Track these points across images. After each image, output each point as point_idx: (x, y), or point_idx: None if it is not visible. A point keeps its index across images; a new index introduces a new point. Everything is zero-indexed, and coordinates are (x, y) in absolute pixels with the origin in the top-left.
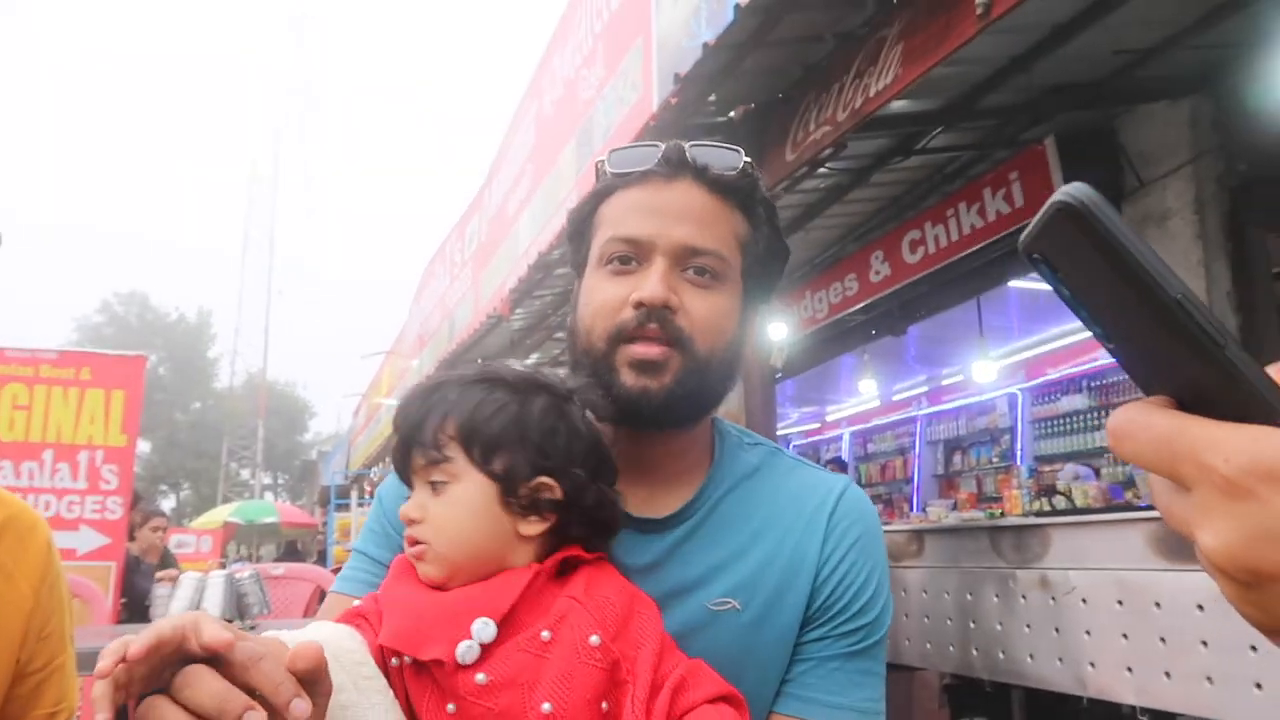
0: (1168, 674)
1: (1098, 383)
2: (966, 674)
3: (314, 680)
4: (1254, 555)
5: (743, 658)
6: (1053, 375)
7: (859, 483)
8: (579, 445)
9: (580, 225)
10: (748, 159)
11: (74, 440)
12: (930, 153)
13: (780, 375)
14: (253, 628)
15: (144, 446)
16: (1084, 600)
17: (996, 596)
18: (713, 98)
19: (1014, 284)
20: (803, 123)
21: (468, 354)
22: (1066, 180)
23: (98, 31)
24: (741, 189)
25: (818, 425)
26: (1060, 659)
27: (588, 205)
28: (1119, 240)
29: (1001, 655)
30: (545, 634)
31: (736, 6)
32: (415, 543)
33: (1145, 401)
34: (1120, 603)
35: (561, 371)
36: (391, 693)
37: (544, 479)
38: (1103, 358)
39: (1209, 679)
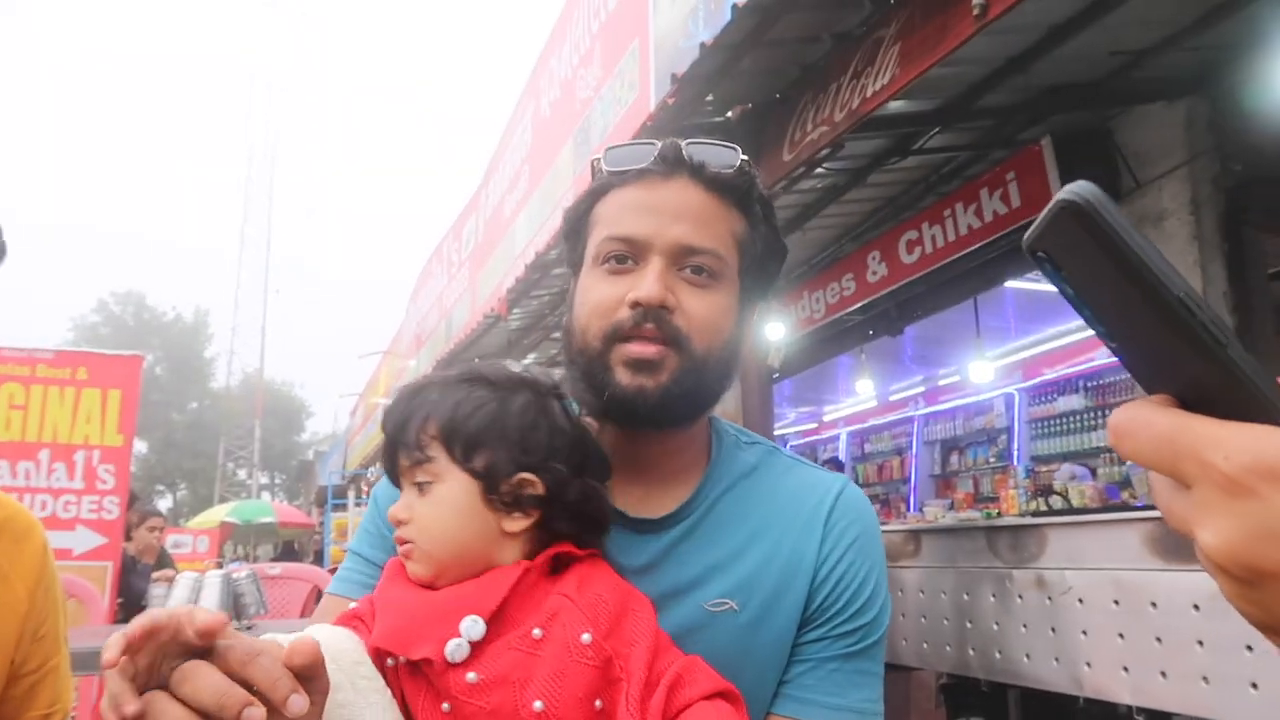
0: (1164, 674)
1: (1094, 383)
2: (963, 674)
3: (311, 677)
4: (1254, 553)
5: (740, 659)
6: (1049, 375)
7: (856, 483)
8: (560, 440)
9: (576, 224)
10: (745, 157)
11: (70, 440)
12: (927, 153)
13: (777, 375)
14: (249, 628)
15: (140, 446)
16: (1080, 600)
17: (993, 596)
18: (710, 98)
19: (1011, 284)
20: (800, 123)
21: (465, 354)
22: (1063, 181)
23: (96, 31)
24: (739, 187)
25: (815, 425)
26: (1057, 659)
27: (583, 203)
28: (1123, 239)
29: (998, 655)
30: (537, 632)
31: (734, 7)
32: (403, 542)
33: (1147, 400)
34: (1117, 602)
35: (558, 372)
36: (389, 692)
37: (525, 475)
38: (1099, 358)
39: (1205, 679)
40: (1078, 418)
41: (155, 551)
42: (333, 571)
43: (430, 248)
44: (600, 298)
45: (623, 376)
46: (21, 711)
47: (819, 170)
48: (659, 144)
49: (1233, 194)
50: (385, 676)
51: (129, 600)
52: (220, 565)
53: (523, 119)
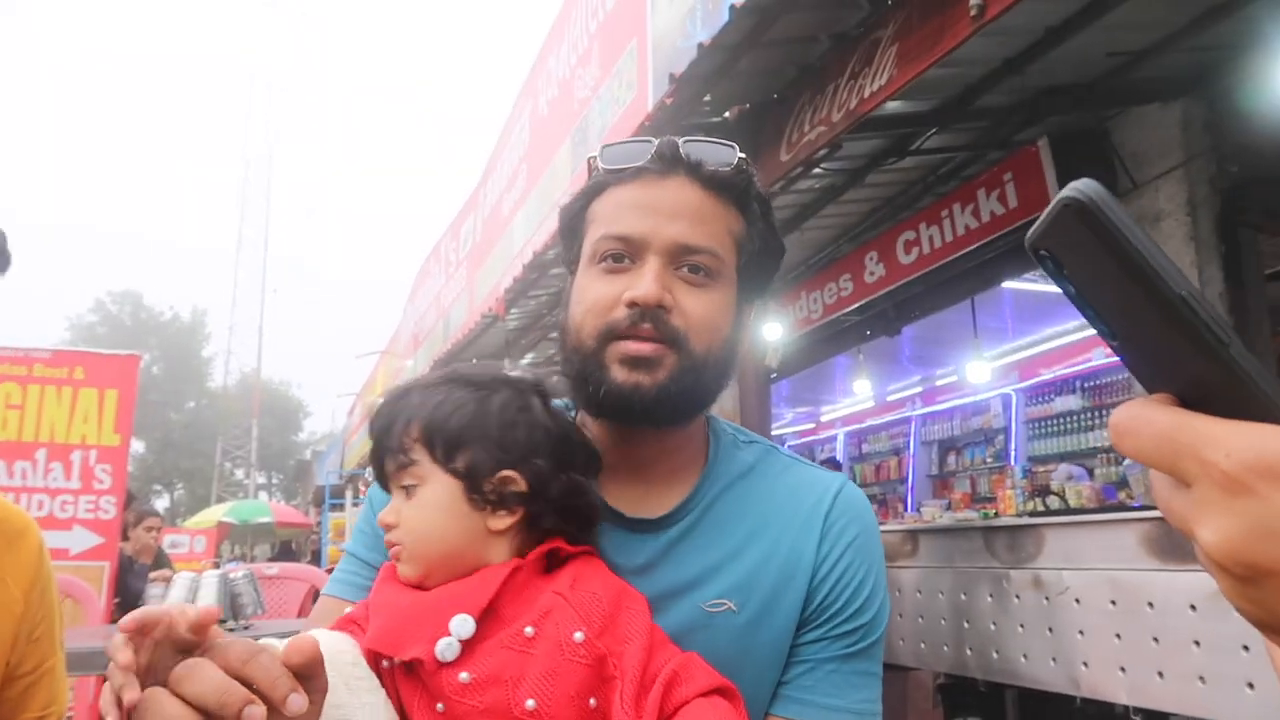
0: (1160, 674)
1: (1091, 383)
2: (960, 674)
3: (309, 676)
4: (1253, 551)
5: (739, 659)
6: (1046, 376)
7: (854, 483)
8: (542, 437)
9: (572, 222)
10: (742, 154)
11: (67, 440)
12: (925, 154)
13: (775, 376)
14: (247, 628)
15: (138, 446)
16: (1077, 600)
17: (990, 596)
18: (708, 98)
19: (1008, 285)
20: (798, 123)
21: (463, 354)
22: (1061, 182)
23: (96, 31)
24: (736, 185)
25: (812, 425)
26: (1054, 659)
27: (579, 202)
28: (1126, 237)
29: (995, 655)
30: (529, 630)
31: (732, 7)
32: (393, 546)
33: (1148, 398)
34: (1113, 603)
35: (556, 377)
36: (383, 693)
37: (507, 472)
38: (1096, 358)
39: (1201, 679)
40: (1075, 418)
41: (152, 551)
42: (330, 572)
43: (428, 247)
44: (596, 297)
45: (618, 373)
46: (17, 713)
47: (816, 171)
48: (655, 141)
49: (1229, 195)
50: (381, 679)
51: (126, 600)
52: (217, 565)
53: (520, 118)
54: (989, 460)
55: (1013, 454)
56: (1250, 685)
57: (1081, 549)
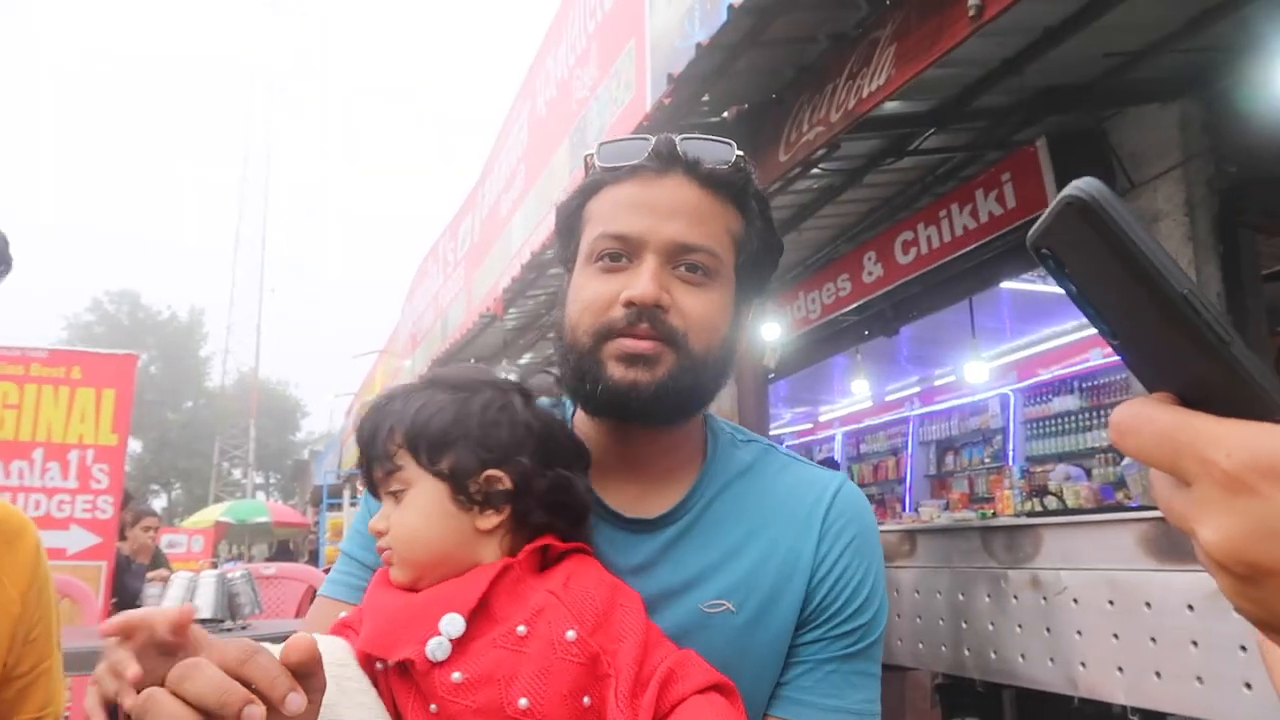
0: (1158, 674)
1: (1089, 384)
2: (958, 674)
3: (308, 674)
4: (1253, 550)
5: (737, 660)
6: (1044, 376)
7: (852, 482)
8: (524, 434)
9: (569, 220)
10: (740, 152)
11: (64, 439)
12: (923, 154)
13: (773, 376)
14: (244, 628)
15: (135, 446)
16: (1075, 600)
17: (988, 596)
18: (706, 98)
19: (1006, 285)
20: (796, 123)
21: (461, 353)
22: (1059, 182)
23: (96, 31)
24: (734, 183)
25: (810, 425)
26: (1051, 659)
27: (576, 200)
28: (1128, 235)
29: (993, 655)
30: (521, 629)
31: (730, 7)
32: (384, 551)
33: (1148, 397)
34: (1111, 603)
35: (554, 373)
36: (375, 694)
37: (491, 472)
38: (1094, 359)
39: (1199, 679)
40: (1073, 418)
41: (150, 551)
42: (328, 572)
43: (426, 247)
44: (593, 296)
45: (615, 371)
46: (13, 714)
47: (815, 171)
48: (653, 139)
49: (1227, 195)
50: (376, 683)
51: (123, 600)
52: (215, 565)
53: (519, 118)
54: (987, 460)
55: (1010, 454)
56: (1248, 685)
57: (1079, 549)
